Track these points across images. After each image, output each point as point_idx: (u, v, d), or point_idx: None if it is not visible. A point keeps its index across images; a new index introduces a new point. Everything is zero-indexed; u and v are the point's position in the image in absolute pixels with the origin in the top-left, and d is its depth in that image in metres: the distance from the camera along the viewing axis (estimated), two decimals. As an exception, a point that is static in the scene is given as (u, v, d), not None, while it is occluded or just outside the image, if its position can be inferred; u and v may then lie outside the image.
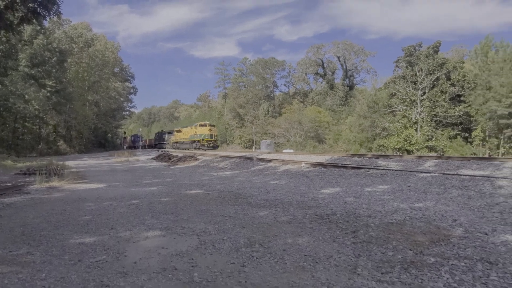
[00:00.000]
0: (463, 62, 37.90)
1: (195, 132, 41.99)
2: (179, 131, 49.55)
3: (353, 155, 16.19)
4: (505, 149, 29.76)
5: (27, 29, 33.48)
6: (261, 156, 18.22)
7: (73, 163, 21.18)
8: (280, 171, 12.16)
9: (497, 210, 4.97)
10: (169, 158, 22.90)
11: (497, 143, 30.75)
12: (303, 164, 12.52)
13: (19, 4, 8.73)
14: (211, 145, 40.53)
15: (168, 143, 52.62)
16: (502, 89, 29.38)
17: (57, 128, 47.41)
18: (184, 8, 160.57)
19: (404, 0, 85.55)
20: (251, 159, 16.60)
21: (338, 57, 56.86)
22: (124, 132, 74.68)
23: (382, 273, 2.83)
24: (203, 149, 37.01)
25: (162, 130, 65.16)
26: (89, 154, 39.22)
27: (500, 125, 30.03)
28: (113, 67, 63.39)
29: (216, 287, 2.63)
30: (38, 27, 32.18)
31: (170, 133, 54.67)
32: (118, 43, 67.92)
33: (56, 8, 9.08)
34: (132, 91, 72.60)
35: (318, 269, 2.96)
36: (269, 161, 15.07)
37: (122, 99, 69.65)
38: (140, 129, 73.78)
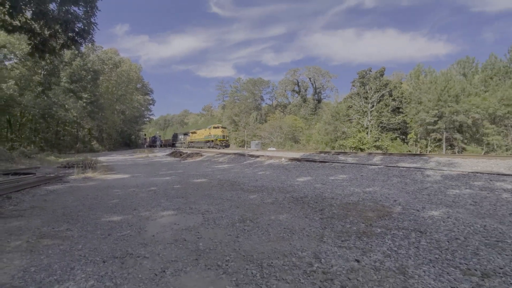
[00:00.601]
0: (401, 83, 38.64)
1: (209, 133, 36.22)
2: (194, 132, 42.93)
3: (321, 152, 16.28)
4: (431, 148, 30.56)
5: (67, 53, 32.47)
6: (251, 153, 18.16)
7: (104, 158, 20.67)
8: (266, 164, 12.15)
9: (426, 193, 5.09)
10: (180, 155, 22.56)
11: (425, 143, 31.51)
12: (283, 159, 12.55)
13: (61, 33, 8.47)
14: (223, 144, 34.34)
15: (183, 142, 46.55)
16: (429, 103, 30.16)
17: (91, 131, 46.06)
18: (192, 39, 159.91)
19: (358, 37, 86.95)
20: (243, 155, 16.53)
21: (310, 78, 57.21)
22: (145, 134, 73.08)
23: (342, 241, 2.87)
24: (216, 148, 32.05)
25: (176, 132, 60.44)
26: (117, 152, 38.33)
27: (428, 130, 30.83)
28: (136, 84, 61.99)
29: (217, 254, 2.62)
30: (76, 52, 31.35)
31: (186, 134, 47.78)
32: (140, 65, 66.35)
33: (90, 37, 8.83)
34: (151, 102, 71.04)
35: (294, 239, 2.97)
36: (257, 156, 15.03)
37: (143, 108, 68.08)
38: (158, 132, 72.34)
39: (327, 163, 10.09)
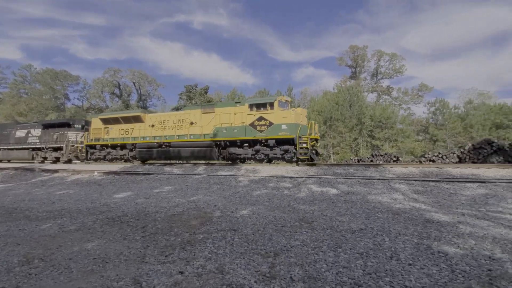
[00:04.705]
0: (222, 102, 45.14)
1: (264, 119, 11.82)
2: (137, 119, 15.13)
3: (145, 163, 15.14)
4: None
5: None
6: (45, 167, 13.76)
7: None
8: (69, 180, 9.65)
9: (238, 196, 6.09)
10: None
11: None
12: (95, 173, 10.54)
13: None
14: (314, 151, 11.85)
15: (43, 147, 18.68)
16: (241, 121, 37.16)
17: None
18: None
19: (186, 52, 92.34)
20: (32, 170, 12.22)
21: (134, 83, 52.95)
22: None
23: (165, 256, 2.77)
24: (294, 162, 11.77)
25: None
26: None
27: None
28: None
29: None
30: None
31: (61, 126, 18.88)
32: None
33: None
34: None
35: (108, 268, 2.51)
36: (56, 171, 11.66)
37: None
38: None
39: (151, 175, 9.62)
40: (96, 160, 16.26)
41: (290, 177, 8.01)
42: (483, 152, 12.94)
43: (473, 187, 6.15)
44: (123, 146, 15.48)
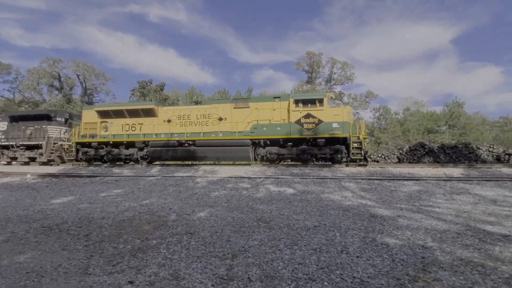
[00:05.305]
0: (179, 101, 43.45)
1: (313, 116, 11.10)
2: (148, 113, 12.99)
3: (90, 164, 13.71)
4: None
5: None
6: (-39, 169, 11.62)
7: None
8: (-6, 185, 8.31)
9: (195, 198, 5.92)
10: None
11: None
12: (28, 176, 9.27)
13: None
14: (360, 155, 10.69)
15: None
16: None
17: None
18: None
19: (140, 46, 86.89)
20: None
21: (78, 75, 47.84)
22: None
23: (113, 265, 2.55)
24: (343, 162, 11.04)
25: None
26: None
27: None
28: None
29: None
30: None
31: (37, 118, 15.19)
32: None
33: None
34: None
35: (44, 283, 2.22)
36: (-24, 174, 9.93)
37: None
38: None
39: (97, 178, 8.81)
40: (89, 160, 13.70)
41: (249, 178, 8.07)
42: (418, 153, 14.73)
43: (409, 184, 6.96)
44: (129, 144, 13.13)
